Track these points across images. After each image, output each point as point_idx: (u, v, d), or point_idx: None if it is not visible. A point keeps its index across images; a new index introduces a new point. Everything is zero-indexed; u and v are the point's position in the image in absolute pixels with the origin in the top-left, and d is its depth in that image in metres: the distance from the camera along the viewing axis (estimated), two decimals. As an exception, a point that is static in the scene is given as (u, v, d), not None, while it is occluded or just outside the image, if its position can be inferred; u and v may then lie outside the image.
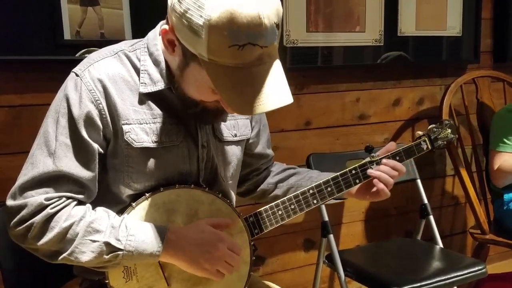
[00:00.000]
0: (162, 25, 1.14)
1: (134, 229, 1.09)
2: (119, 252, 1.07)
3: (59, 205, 1.07)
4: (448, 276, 1.82)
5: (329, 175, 1.31)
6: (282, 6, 2.18)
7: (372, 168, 1.30)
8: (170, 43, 1.05)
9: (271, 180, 1.43)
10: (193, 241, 1.11)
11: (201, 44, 0.95)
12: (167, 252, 1.10)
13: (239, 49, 0.93)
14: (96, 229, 1.07)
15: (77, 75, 1.10)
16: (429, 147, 1.39)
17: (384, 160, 1.30)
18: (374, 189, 1.29)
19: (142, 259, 1.10)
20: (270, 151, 1.43)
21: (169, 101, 1.14)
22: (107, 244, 1.07)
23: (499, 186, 2.26)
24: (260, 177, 1.44)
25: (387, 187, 1.28)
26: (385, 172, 1.28)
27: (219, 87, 0.99)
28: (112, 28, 1.75)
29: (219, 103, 1.08)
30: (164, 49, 1.10)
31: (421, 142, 1.38)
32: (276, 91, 0.99)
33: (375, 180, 1.28)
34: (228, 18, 0.92)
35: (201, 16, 0.93)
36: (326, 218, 2.02)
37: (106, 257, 1.07)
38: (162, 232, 1.10)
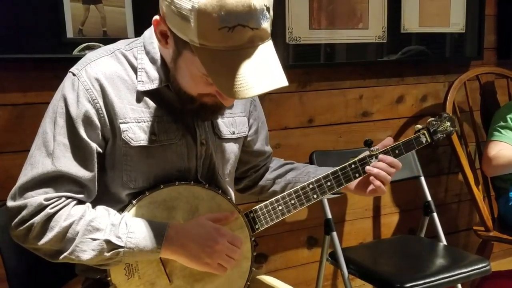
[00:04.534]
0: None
1: (134, 226, 1.09)
2: (120, 250, 1.07)
3: (58, 205, 1.07)
4: (452, 273, 1.82)
5: (327, 170, 1.31)
6: (285, 4, 2.18)
7: (372, 162, 1.30)
8: (162, 35, 1.05)
9: (269, 176, 1.44)
10: (193, 236, 1.11)
11: (191, 29, 0.95)
12: (168, 248, 1.10)
13: (229, 31, 0.93)
14: (96, 227, 1.07)
15: (74, 74, 1.10)
16: (428, 140, 1.39)
17: (381, 156, 1.30)
18: (371, 186, 1.29)
19: (143, 256, 1.10)
20: (268, 148, 1.44)
21: (167, 98, 1.14)
22: (108, 241, 1.07)
23: (489, 174, 2.25)
24: (258, 173, 1.44)
25: (384, 184, 1.28)
26: (382, 169, 1.27)
27: (211, 72, 0.98)
28: (115, 26, 1.75)
29: (216, 98, 1.07)
30: (159, 44, 1.10)
31: (420, 135, 1.38)
32: (269, 73, 0.98)
33: (371, 178, 1.28)
34: (216, 0, 0.91)
35: (189, 0, 0.93)
36: (329, 216, 2.02)
37: (107, 254, 1.07)
38: (162, 229, 1.10)
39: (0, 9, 1.60)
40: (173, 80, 1.10)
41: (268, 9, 0.96)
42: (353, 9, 2.19)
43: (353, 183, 1.32)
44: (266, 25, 0.97)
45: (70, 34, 1.69)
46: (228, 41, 0.94)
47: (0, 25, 1.61)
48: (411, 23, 2.34)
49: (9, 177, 1.67)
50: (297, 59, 2.10)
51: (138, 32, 1.75)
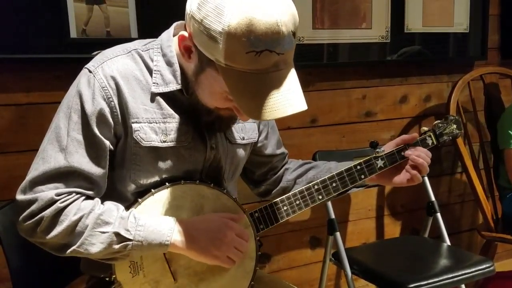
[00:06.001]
0: (176, 27, 1.15)
1: (143, 219, 1.10)
2: (128, 243, 1.08)
3: (68, 199, 1.07)
4: (456, 274, 1.81)
5: (348, 164, 1.31)
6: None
7: (377, 164, 1.30)
8: (186, 50, 1.06)
9: (289, 177, 1.44)
10: (201, 229, 1.12)
11: (219, 50, 0.96)
12: (177, 241, 1.10)
13: (256, 55, 0.94)
14: (106, 221, 1.08)
15: (90, 71, 1.10)
16: (435, 142, 1.39)
17: (417, 148, 1.32)
18: (403, 175, 1.31)
19: (151, 250, 1.10)
20: (281, 150, 1.44)
21: (180, 102, 1.15)
22: (117, 234, 1.07)
23: None
24: (277, 175, 1.44)
25: (422, 173, 1.30)
26: (422, 158, 1.29)
27: (234, 92, 0.99)
28: (118, 26, 1.75)
29: (232, 111, 1.08)
30: (179, 54, 1.11)
31: (426, 138, 1.38)
32: (290, 97, 0.99)
33: (407, 167, 1.30)
34: (247, 25, 0.93)
35: (219, 23, 0.94)
36: (333, 216, 2.02)
37: (116, 247, 1.07)
38: (170, 222, 1.11)
39: (3, 9, 1.61)
40: (192, 92, 1.11)
41: (294, 34, 0.99)
42: (356, 9, 2.19)
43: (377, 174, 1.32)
44: (291, 50, 1.00)
45: (73, 34, 1.69)
46: (254, 65, 0.96)
47: (3, 26, 1.61)
48: (414, 23, 2.33)
49: (12, 177, 1.68)
50: (299, 59, 2.09)
51: (142, 32, 1.76)
